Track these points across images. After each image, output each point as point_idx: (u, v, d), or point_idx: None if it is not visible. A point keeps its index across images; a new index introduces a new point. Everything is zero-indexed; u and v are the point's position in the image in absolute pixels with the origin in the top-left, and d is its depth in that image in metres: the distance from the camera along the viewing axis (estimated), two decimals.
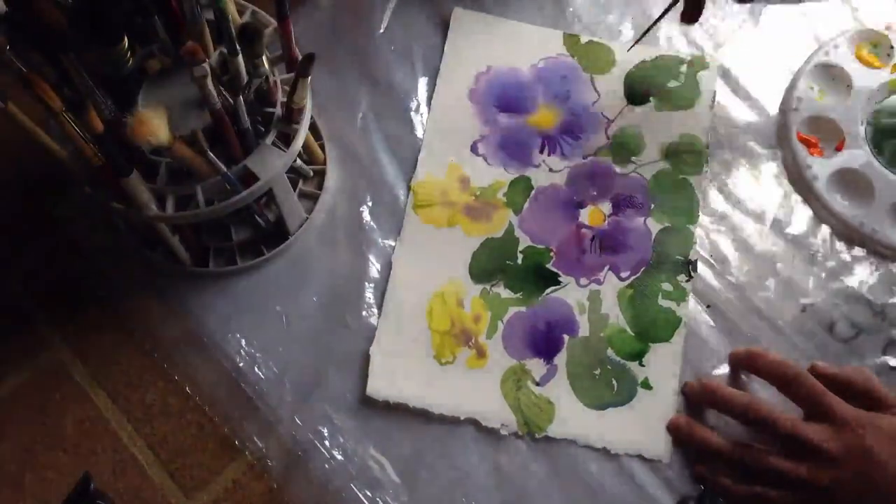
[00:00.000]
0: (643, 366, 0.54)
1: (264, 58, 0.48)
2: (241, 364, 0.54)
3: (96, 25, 0.46)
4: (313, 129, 0.60)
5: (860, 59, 0.62)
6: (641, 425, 0.52)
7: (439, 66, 0.63)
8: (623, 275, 0.56)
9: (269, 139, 0.50)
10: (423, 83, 0.63)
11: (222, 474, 0.52)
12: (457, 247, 0.57)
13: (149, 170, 0.49)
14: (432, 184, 0.59)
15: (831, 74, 0.62)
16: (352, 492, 0.51)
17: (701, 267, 0.57)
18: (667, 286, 0.56)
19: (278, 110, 0.51)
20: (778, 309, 0.56)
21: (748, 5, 0.66)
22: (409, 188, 0.59)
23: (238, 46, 0.47)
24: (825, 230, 0.58)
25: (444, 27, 0.65)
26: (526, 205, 0.59)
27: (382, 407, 0.53)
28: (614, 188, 0.59)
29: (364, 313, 0.55)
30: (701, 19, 0.62)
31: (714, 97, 0.62)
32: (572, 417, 0.52)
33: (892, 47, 0.62)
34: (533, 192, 0.59)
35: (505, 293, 0.56)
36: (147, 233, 0.56)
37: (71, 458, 0.52)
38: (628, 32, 0.65)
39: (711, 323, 0.55)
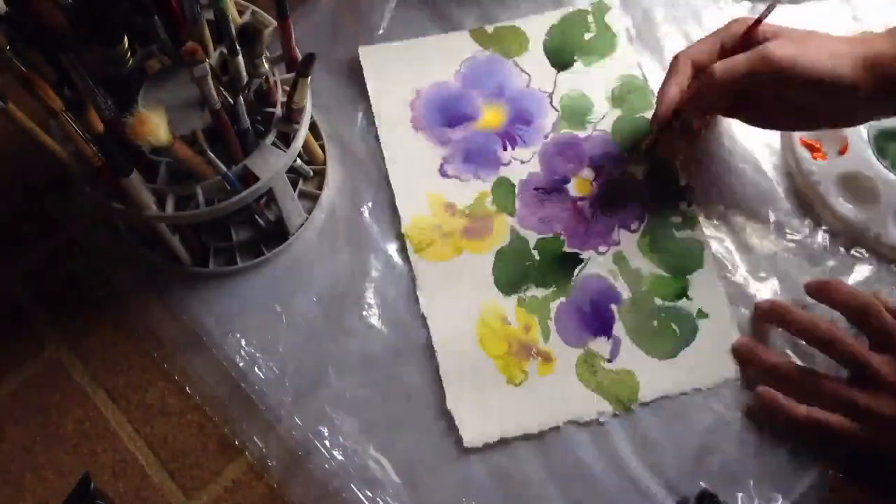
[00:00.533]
0: (691, 299, 0.55)
1: (264, 58, 0.49)
2: (241, 364, 0.54)
3: (96, 25, 0.46)
4: (313, 129, 0.60)
5: None
6: (718, 353, 0.54)
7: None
8: (633, 227, 0.58)
9: (269, 139, 0.50)
10: None
11: (222, 474, 0.52)
12: (474, 270, 0.57)
13: (149, 170, 0.49)
14: (422, 223, 0.58)
15: None
16: (352, 492, 0.51)
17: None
18: (676, 218, 0.58)
19: (278, 110, 0.51)
20: None
21: (749, 5, 0.66)
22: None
23: (238, 46, 0.47)
24: (826, 229, 0.58)
25: (445, 27, 0.65)
26: (516, 203, 0.59)
27: (383, 406, 0.53)
28: (585, 153, 0.60)
29: (364, 313, 0.55)
30: (701, 21, 0.63)
31: (629, 32, 0.64)
32: (654, 376, 0.53)
33: None
34: (516, 189, 0.59)
35: (539, 293, 0.56)
36: (147, 233, 0.56)
37: (71, 458, 0.52)
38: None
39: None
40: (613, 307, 0.55)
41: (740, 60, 0.51)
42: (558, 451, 0.52)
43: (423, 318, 0.55)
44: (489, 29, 0.64)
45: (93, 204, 0.49)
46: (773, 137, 0.62)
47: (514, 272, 0.56)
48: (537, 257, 0.57)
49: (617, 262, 0.56)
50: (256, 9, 0.53)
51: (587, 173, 0.59)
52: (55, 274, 0.57)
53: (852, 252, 0.58)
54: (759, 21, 0.53)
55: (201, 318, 0.55)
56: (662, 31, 0.65)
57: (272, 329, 0.55)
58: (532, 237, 0.58)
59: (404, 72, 0.63)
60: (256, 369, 0.54)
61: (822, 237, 0.58)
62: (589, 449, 0.52)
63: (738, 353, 0.53)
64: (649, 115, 0.60)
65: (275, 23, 0.52)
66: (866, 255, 0.57)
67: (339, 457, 0.52)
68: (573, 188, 0.59)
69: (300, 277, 0.56)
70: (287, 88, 0.50)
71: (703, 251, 0.57)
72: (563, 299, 0.56)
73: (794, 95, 0.51)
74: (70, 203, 0.58)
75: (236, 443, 0.52)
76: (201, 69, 0.43)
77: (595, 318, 0.55)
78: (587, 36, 0.64)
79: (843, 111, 0.53)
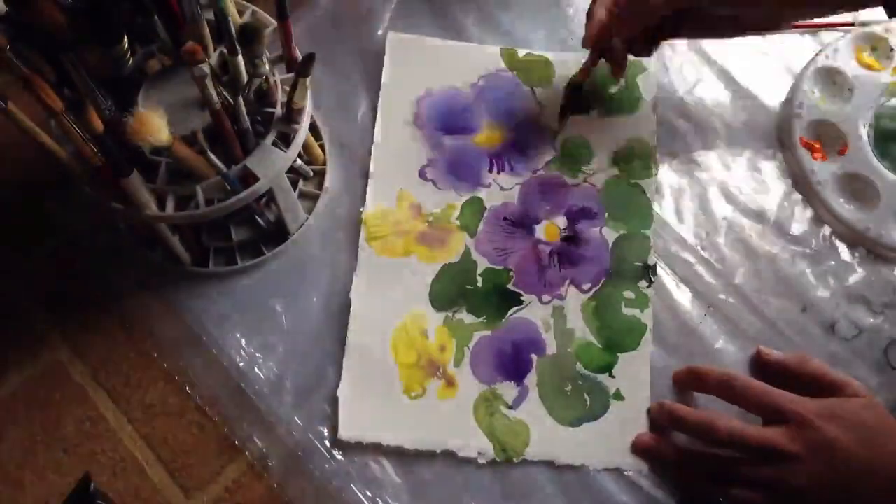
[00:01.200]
0: (613, 377, 0.53)
1: (264, 58, 0.48)
2: (241, 364, 0.54)
3: (96, 25, 0.46)
4: (313, 129, 0.60)
5: (860, 62, 0.62)
6: (617, 437, 0.52)
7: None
8: (584, 287, 0.56)
9: (269, 139, 0.50)
10: None
11: (222, 474, 0.52)
12: (415, 276, 0.56)
13: (149, 170, 0.49)
14: (383, 214, 0.58)
15: (832, 78, 0.62)
16: (352, 492, 0.51)
17: (701, 268, 0.57)
18: (629, 294, 0.55)
19: (278, 110, 0.51)
20: (778, 309, 0.56)
21: None
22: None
23: (238, 46, 0.47)
24: (826, 229, 0.58)
25: (445, 27, 0.65)
26: (480, 226, 0.58)
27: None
28: (567, 200, 0.59)
29: None
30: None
31: (656, 100, 0.62)
32: (548, 437, 0.52)
33: (892, 50, 0.62)
34: (485, 212, 0.58)
35: (468, 318, 0.55)
36: (147, 233, 0.56)
37: (71, 458, 0.52)
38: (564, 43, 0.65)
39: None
40: (534, 357, 0.54)
41: None
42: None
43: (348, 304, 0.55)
44: (521, 53, 0.63)
45: (93, 204, 0.49)
46: (769, 132, 0.61)
47: (451, 291, 0.56)
48: (480, 284, 0.56)
49: (555, 314, 0.55)
50: (256, 9, 0.53)
51: (560, 221, 0.58)
52: (55, 274, 0.57)
53: (853, 252, 0.58)
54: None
55: (201, 318, 0.55)
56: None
57: (272, 329, 0.55)
58: (482, 263, 0.57)
59: (423, 68, 0.63)
60: (256, 369, 0.54)
61: (822, 238, 0.58)
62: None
63: (642, 450, 0.51)
64: (644, 183, 0.59)
65: (275, 23, 0.52)
66: (866, 255, 0.57)
67: (339, 457, 0.52)
68: (541, 230, 0.58)
69: (300, 277, 0.56)
70: (287, 88, 0.50)
71: (643, 335, 0.54)
72: (487, 333, 0.55)
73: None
74: (70, 203, 0.58)
75: (236, 443, 0.52)
76: (201, 69, 0.43)
77: (512, 361, 0.54)
78: (613, 89, 0.62)
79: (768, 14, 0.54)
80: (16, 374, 0.54)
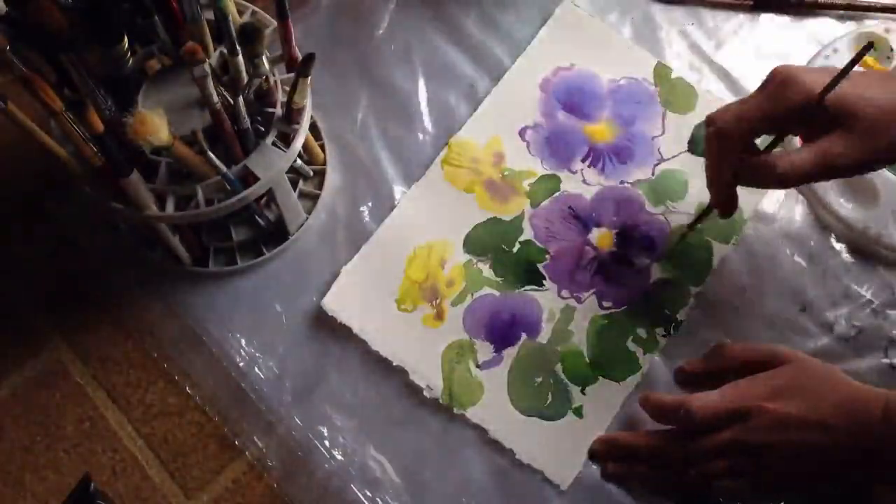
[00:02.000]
0: (584, 394, 0.53)
1: (264, 58, 0.48)
2: (241, 364, 0.54)
3: (96, 25, 0.46)
4: (313, 129, 0.60)
5: (860, 62, 0.62)
6: (557, 447, 0.51)
7: (501, 59, 0.63)
8: (605, 304, 0.55)
9: (269, 139, 0.50)
10: (422, 83, 0.63)
11: (222, 474, 0.52)
12: (464, 213, 0.58)
13: (149, 170, 0.49)
14: (469, 146, 0.60)
15: None
16: (352, 492, 0.51)
17: None
18: (641, 332, 0.55)
19: (278, 110, 0.51)
20: (778, 308, 0.56)
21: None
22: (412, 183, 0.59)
23: (238, 46, 0.47)
24: (826, 230, 0.58)
25: (445, 27, 0.65)
26: (545, 202, 0.58)
27: (383, 406, 0.53)
28: (637, 223, 0.58)
29: None
30: (701, 19, 0.62)
31: None
32: (496, 410, 0.52)
33: (892, 49, 0.62)
34: (557, 193, 0.59)
35: (487, 272, 0.56)
36: (147, 233, 0.56)
37: (71, 458, 0.52)
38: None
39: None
40: (523, 335, 0.54)
41: (805, 161, 0.46)
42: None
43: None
44: (674, 74, 0.63)
45: (93, 204, 0.49)
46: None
47: (487, 242, 0.57)
48: (515, 250, 0.57)
49: (564, 311, 0.55)
50: (256, 9, 0.53)
51: (616, 238, 0.57)
52: (55, 274, 0.57)
53: (853, 251, 0.58)
54: (824, 92, 0.45)
55: (201, 318, 0.55)
56: None
57: (272, 329, 0.55)
58: (527, 234, 0.57)
59: (579, 44, 0.64)
60: (256, 369, 0.54)
61: (820, 237, 0.58)
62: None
63: (599, 449, 0.51)
64: (716, 246, 0.57)
65: (275, 23, 0.52)
66: (865, 254, 0.57)
67: (339, 457, 0.52)
68: (596, 234, 0.57)
69: (300, 277, 0.56)
70: (287, 88, 0.50)
71: (633, 373, 0.53)
72: (496, 293, 0.56)
73: None
74: (70, 203, 0.58)
75: (236, 443, 0.52)
76: (201, 69, 0.43)
77: (503, 328, 0.54)
78: None
79: None
80: (16, 374, 0.54)
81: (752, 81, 0.63)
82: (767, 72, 0.63)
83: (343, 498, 0.50)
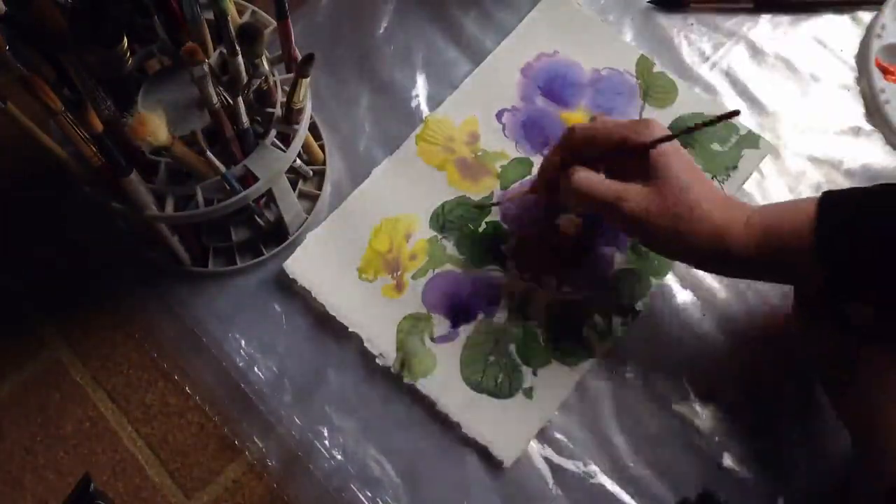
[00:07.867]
0: (535, 376, 0.53)
1: (264, 58, 0.48)
2: (241, 364, 0.54)
3: (96, 25, 0.46)
4: (313, 129, 0.60)
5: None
6: (503, 425, 0.52)
7: (486, 46, 0.64)
8: (564, 289, 0.55)
9: (269, 139, 0.50)
10: (422, 82, 0.63)
11: (222, 474, 0.52)
12: (433, 190, 0.58)
13: (149, 170, 0.49)
14: (444, 124, 0.60)
15: None
16: (352, 492, 0.51)
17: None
18: (598, 318, 0.54)
19: (278, 110, 0.51)
20: (777, 308, 0.56)
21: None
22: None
23: (238, 46, 0.47)
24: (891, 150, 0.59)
25: (445, 27, 0.65)
26: (515, 185, 0.59)
27: (383, 406, 0.53)
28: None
29: None
30: (702, 19, 0.62)
31: (747, 178, 0.59)
32: (446, 384, 0.53)
33: None
34: (528, 177, 0.59)
35: (451, 249, 0.57)
36: (147, 233, 0.56)
37: (71, 458, 0.52)
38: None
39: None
40: (480, 315, 0.54)
41: (601, 190, 0.48)
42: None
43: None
44: (656, 68, 0.62)
45: (93, 204, 0.49)
46: (848, 56, 0.63)
47: (454, 219, 0.57)
48: (480, 230, 0.57)
49: (523, 295, 0.55)
50: (256, 9, 0.53)
51: (583, 225, 0.57)
52: (55, 274, 0.57)
53: None
54: (660, 140, 0.47)
55: (201, 318, 0.55)
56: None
57: (272, 329, 0.55)
58: (494, 215, 0.58)
59: (563, 31, 0.64)
60: (256, 369, 0.54)
61: (886, 155, 0.59)
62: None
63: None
64: None
65: (275, 23, 0.52)
66: None
67: (339, 457, 0.52)
68: (562, 220, 0.57)
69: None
70: (287, 88, 0.50)
71: (585, 360, 0.53)
72: (457, 270, 0.56)
73: None
74: (70, 203, 0.58)
75: (236, 443, 0.52)
76: (201, 69, 0.43)
77: (460, 305, 0.55)
78: (715, 146, 0.59)
79: None
80: (16, 374, 0.54)
81: (752, 82, 0.63)
82: (767, 72, 0.64)
83: (343, 498, 0.50)
